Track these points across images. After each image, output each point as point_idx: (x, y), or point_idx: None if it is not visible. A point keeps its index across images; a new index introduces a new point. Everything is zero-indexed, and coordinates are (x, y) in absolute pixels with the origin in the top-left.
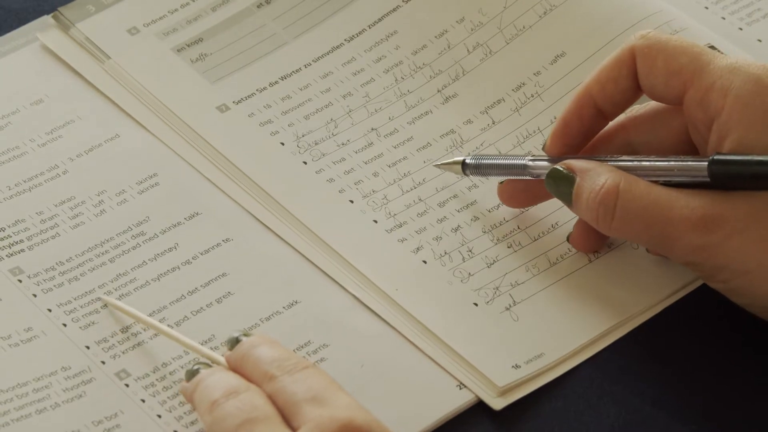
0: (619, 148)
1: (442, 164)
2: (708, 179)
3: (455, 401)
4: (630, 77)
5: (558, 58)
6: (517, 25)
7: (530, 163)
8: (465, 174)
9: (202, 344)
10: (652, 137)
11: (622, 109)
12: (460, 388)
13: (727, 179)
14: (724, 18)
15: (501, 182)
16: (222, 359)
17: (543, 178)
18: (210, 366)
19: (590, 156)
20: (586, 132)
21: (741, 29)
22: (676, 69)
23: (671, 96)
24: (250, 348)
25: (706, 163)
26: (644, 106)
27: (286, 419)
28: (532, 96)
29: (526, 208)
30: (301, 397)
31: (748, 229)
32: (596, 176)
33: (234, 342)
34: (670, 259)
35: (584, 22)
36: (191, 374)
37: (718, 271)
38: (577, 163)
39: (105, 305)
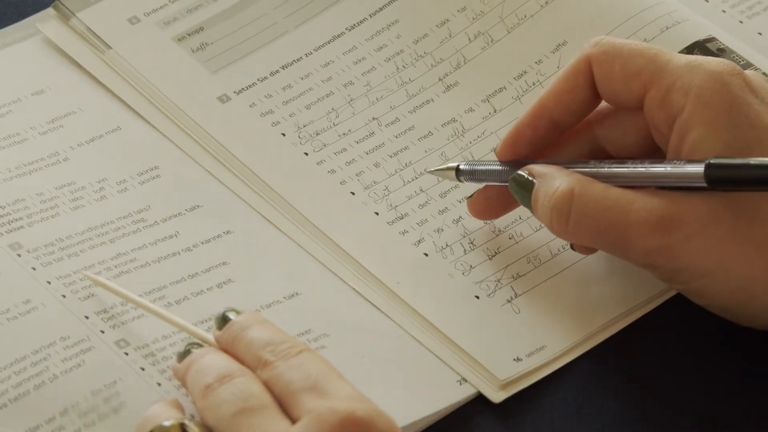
0: (584, 145)
1: (435, 171)
2: (705, 185)
3: (456, 394)
4: (587, 86)
5: (560, 47)
6: (519, 14)
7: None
8: (459, 180)
9: (200, 324)
10: (618, 134)
11: (580, 119)
12: (461, 383)
13: (726, 184)
14: (724, 11)
15: (470, 196)
16: (211, 338)
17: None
18: (201, 346)
19: (580, 161)
20: (538, 142)
21: (741, 22)
22: (635, 72)
23: (632, 100)
24: (240, 329)
25: (702, 168)
26: (603, 107)
27: (284, 408)
28: (534, 84)
29: (495, 220)
30: (299, 386)
31: (706, 230)
32: (552, 180)
33: (222, 320)
34: (630, 262)
35: (586, 11)
36: (182, 355)
37: (677, 274)
38: (537, 168)
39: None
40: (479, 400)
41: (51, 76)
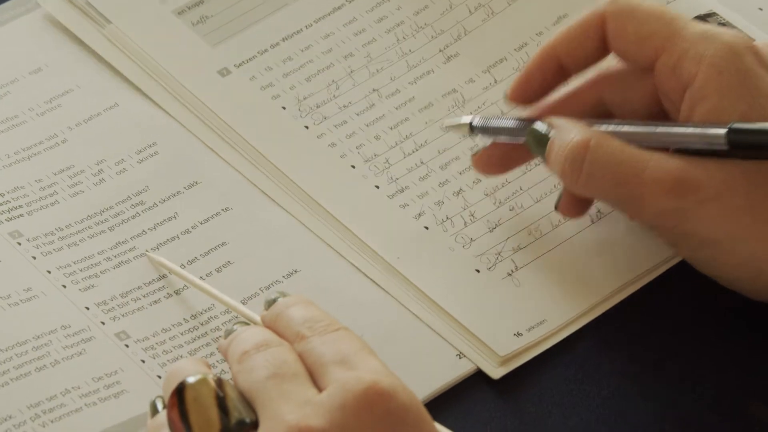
0: (591, 106)
1: (449, 124)
2: (725, 147)
3: (455, 370)
4: (597, 40)
5: (560, 19)
6: None
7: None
8: (472, 135)
9: (201, 313)
10: (624, 97)
11: (586, 67)
12: (460, 357)
13: (747, 149)
14: None
15: (475, 152)
16: (258, 318)
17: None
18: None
19: (600, 120)
20: (546, 85)
21: None
22: (648, 34)
23: (643, 61)
24: (284, 308)
25: (725, 131)
26: (617, 64)
27: (314, 379)
28: None
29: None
30: (329, 359)
31: (721, 198)
32: (568, 131)
33: (271, 302)
34: (639, 222)
35: None
36: (228, 333)
37: (685, 239)
38: (555, 119)
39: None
40: (479, 376)
41: (48, 54)
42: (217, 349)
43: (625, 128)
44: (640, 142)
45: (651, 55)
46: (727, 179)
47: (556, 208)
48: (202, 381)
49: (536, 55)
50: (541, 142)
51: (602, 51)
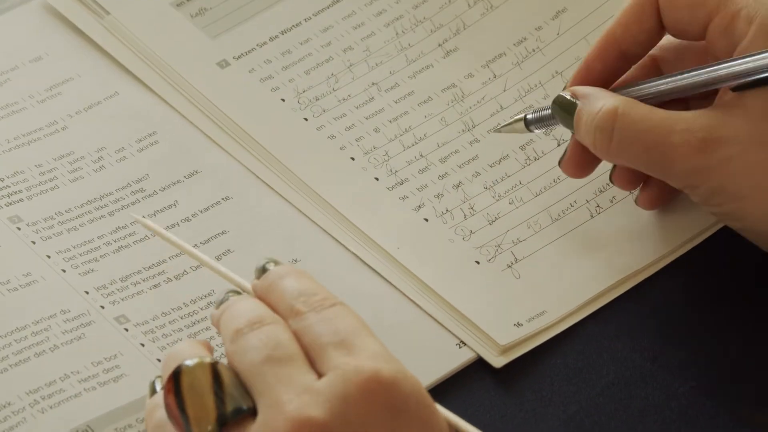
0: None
1: (504, 127)
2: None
3: (456, 359)
4: (654, 15)
5: (559, 14)
6: None
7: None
8: (529, 130)
9: (201, 298)
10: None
11: (646, 51)
12: (460, 347)
13: None
14: None
15: (561, 158)
16: (249, 287)
17: None
18: (239, 294)
19: (628, 84)
20: (607, 76)
21: None
22: (701, 0)
23: (695, 29)
24: (276, 278)
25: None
26: (666, 42)
27: (311, 360)
28: (534, 51)
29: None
30: (327, 340)
31: (746, 153)
32: (595, 100)
33: (261, 271)
34: (668, 182)
35: None
36: (220, 302)
37: (713, 195)
38: (580, 89)
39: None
40: (479, 364)
41: (49, 42)
42: (211, 320)
43: (658, 84)
44: (680, 93)
45: (704, 19)
46: (753, 134)
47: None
48: (199, 365)
49: (595, 44)
50: (569, 111)
51: (661, 28)
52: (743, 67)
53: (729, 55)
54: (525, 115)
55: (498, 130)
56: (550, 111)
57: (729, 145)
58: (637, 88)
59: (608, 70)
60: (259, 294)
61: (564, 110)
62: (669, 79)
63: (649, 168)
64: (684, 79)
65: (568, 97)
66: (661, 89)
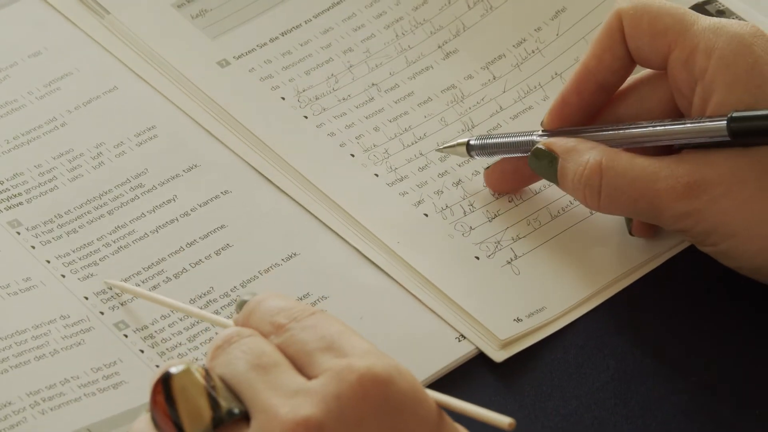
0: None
1: (445, 148)
2: (728, 138)
3: (455, 353)
4: (624, 42)
5: (558, 14)
6: None
7: (538, 138)
8: (470, 156)
9: (200, 297)
10: (640, 109)
11: (623, 79)
12: (460, 340)
13: (749, 136)
14: None
15: (487, 167)
16: (230, 323)
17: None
18: None
19: (598, 126)
20: (586, 108)
21: None
22: (661, 30)
23: (656, 58)
24: (255, 304)
25: (725, 122)
26: (627, 81)
27: (299, 368)
28: (533, 52)
29: (514, 193)
30: (313, 346)
31: (731, 192)
32: (578, 156)
33: (241, 305)
34: (662, 227)
35: None
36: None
37: (706, 236)
38: (558, 142)
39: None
40: (479, 359)
41: (47, 36)
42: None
43: (625, 131)
44: (645, 143)
45: (664, 50)
46: (735, 173)
47: (631, 233)
48: (188, 371)
49: (571, 78)
50: (548, 165)
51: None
52: (713, 124)
53: (691, 89)
54: (468, 141)
55: (440, 150)
56: (494, 141)
57: (714, 186)
58: (613, 131)
59: (585, 103)
60: (240, 324)
61: (543, 163)
62: (647, 128)
63: (640, 216)
64: (668, 128)
65: (545, 149)
66: (643, 132)
